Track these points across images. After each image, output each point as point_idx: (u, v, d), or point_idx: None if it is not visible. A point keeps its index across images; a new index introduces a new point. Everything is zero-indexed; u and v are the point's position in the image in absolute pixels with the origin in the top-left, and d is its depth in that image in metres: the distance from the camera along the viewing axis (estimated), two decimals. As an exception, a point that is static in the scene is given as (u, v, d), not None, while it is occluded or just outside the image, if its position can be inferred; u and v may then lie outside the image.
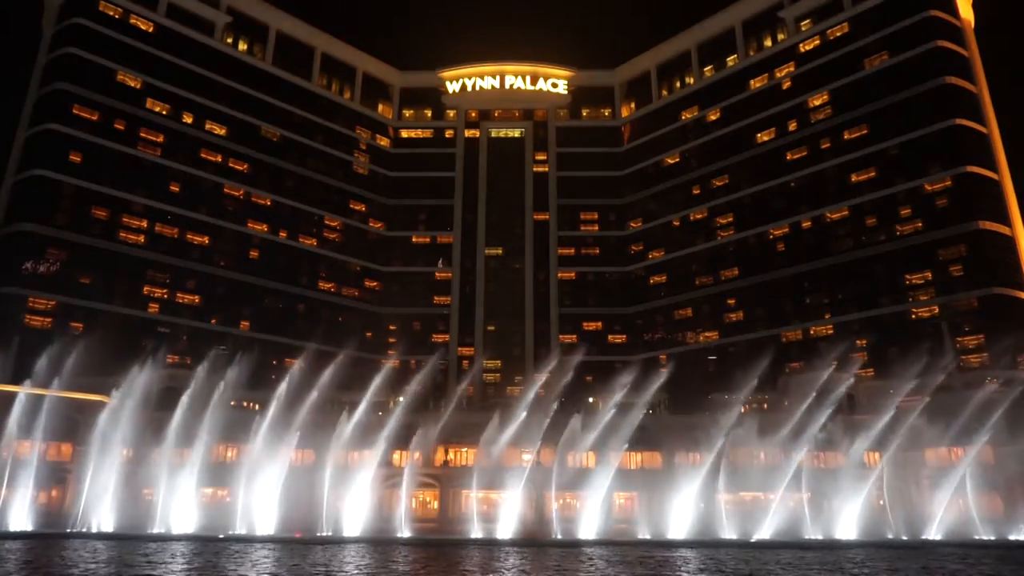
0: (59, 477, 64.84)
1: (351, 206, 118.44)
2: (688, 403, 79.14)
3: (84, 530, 58.08)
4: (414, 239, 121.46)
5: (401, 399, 68.74)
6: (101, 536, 54.66)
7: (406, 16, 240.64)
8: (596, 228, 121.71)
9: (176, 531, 57.14)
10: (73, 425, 64.84)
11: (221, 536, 54.33)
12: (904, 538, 58.82)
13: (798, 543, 54.30)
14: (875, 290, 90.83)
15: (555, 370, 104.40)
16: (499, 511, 61.39)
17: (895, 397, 63.76)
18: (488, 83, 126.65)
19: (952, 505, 60.53)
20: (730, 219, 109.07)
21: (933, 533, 59.38)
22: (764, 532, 58.32)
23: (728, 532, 59.67)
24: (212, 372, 64.36)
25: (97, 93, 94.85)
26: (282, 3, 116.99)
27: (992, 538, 58.15)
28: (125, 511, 58.83)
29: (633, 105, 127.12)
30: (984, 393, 63.41)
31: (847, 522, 59.39)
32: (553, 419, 65.14)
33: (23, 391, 63.34)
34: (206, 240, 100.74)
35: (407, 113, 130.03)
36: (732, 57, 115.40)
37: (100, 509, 59.16)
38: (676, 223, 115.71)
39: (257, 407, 74.61)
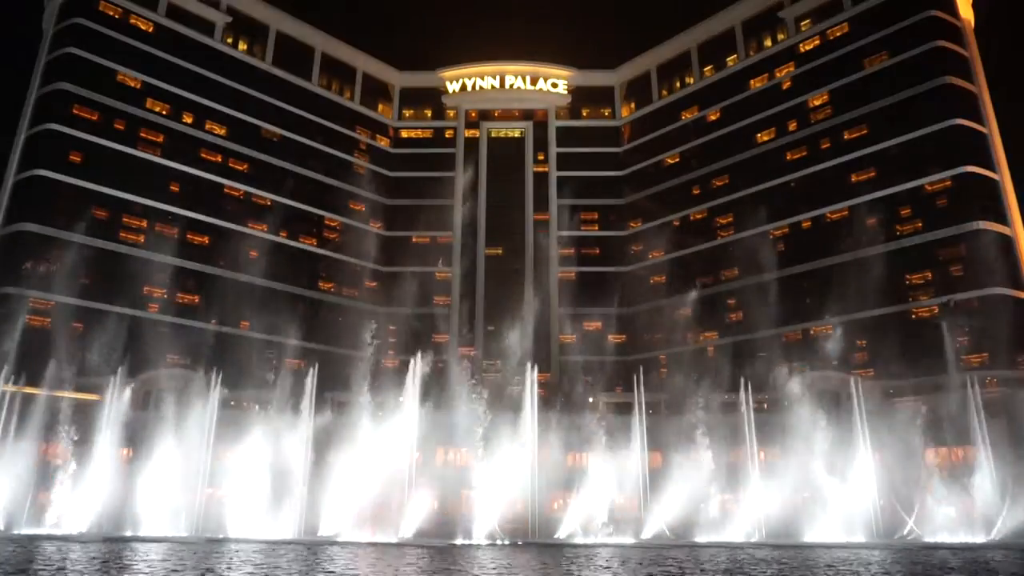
0: (60, 478, 64.79)
1: (351, 206, 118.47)
2: (687, 403, 79.07)
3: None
4: (414, 239, 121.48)
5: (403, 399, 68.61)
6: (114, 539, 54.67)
7: (406, 16, 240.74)
8: (596, 228, 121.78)
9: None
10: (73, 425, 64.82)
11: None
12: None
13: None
14: (875, 290, 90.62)
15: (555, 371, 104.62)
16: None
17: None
18: (488, 83, 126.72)
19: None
20: (730, 219, 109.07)
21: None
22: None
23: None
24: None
25: (97, 93, 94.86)
26: (282, 3, 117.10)
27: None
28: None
29: (633, 105, 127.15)
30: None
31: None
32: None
33: (22, 391, 63.40)
34: (206, 240, 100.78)
35: (407, 113, 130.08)
36: (732, 57, 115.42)
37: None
38: (676, 223, 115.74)
39: (257, 407, 74.76)
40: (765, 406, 78.03)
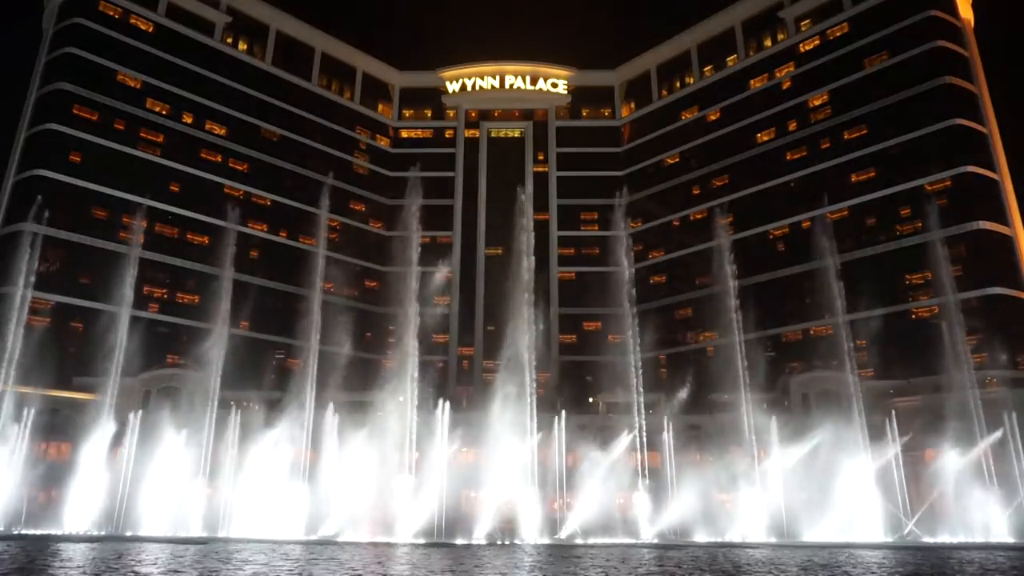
0: (59, 477, 64.78)
1: (351, 206, 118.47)
2: (687, 403, 79.10)
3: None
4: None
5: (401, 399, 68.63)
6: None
7: (406, 16, 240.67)
8: (596, 228, 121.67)
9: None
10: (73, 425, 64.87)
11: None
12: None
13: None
14: (875, 290, 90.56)
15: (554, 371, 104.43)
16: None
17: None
18: (488, 83, 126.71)
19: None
20: (730, 219, 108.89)
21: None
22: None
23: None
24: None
25: (97, 93, 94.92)
26: (282, 3, 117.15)
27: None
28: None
29: (633, 105, 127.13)
30: None
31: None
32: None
33: (21, 391, 63.41)
34: (206, 240, 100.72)
35: (407, 113, 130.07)
36: (732, 57, 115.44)
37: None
38: (676, 223, 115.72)
39: (256, 407, 74.74)
40: (765, 406, 77.95)
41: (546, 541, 56.70)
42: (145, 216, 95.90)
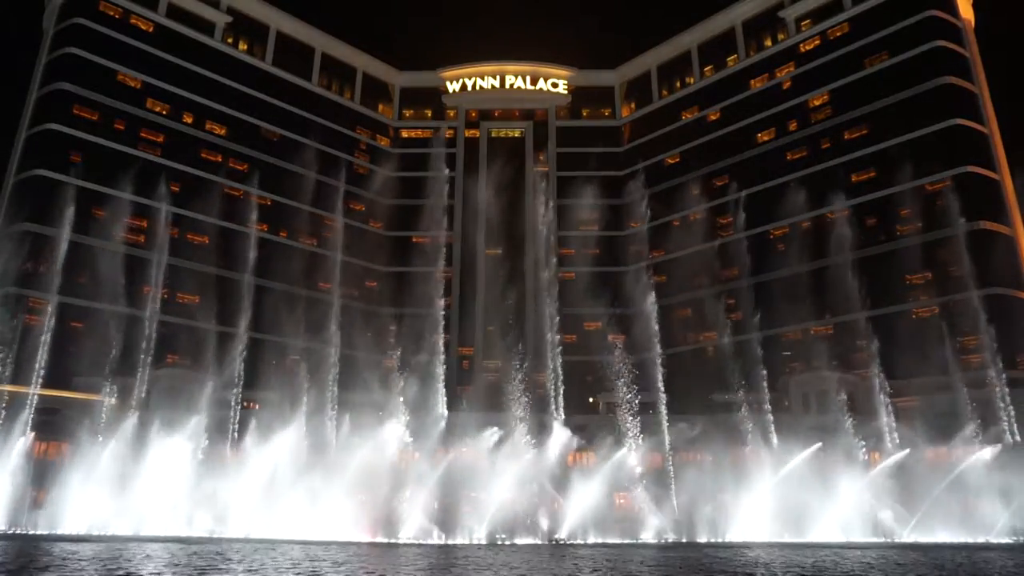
0: (59, 477, 64.83)
1: (351, 206, 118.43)
2: (687, 404, 79.10)
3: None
4: (414, 239, 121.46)
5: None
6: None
7: (406, 16, 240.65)
8: (596, 228, 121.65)
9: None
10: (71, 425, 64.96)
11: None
12: None
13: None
14: (875, 290, 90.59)
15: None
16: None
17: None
18: (488, 83, 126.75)
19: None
20: (730, 219, 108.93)
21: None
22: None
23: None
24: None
25: (97, 93, 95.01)
26: (282, 3, 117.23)
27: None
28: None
29: (633, 105, 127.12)
30: None
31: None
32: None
33: (21, 390, 63.47)
34: (206, 240, 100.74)
35: (407, 113, 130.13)
36: (732, 57, 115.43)
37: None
38: (676, 223, 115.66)
39: (257, 407, 74.89)
40: (765, 406, 77.99)
41: (544, 541, 56.70)
42: (145, 216, 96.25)
